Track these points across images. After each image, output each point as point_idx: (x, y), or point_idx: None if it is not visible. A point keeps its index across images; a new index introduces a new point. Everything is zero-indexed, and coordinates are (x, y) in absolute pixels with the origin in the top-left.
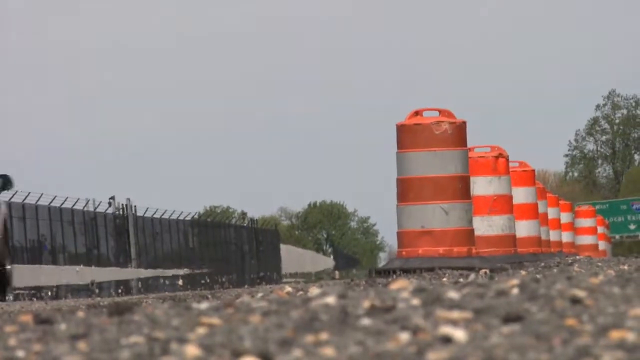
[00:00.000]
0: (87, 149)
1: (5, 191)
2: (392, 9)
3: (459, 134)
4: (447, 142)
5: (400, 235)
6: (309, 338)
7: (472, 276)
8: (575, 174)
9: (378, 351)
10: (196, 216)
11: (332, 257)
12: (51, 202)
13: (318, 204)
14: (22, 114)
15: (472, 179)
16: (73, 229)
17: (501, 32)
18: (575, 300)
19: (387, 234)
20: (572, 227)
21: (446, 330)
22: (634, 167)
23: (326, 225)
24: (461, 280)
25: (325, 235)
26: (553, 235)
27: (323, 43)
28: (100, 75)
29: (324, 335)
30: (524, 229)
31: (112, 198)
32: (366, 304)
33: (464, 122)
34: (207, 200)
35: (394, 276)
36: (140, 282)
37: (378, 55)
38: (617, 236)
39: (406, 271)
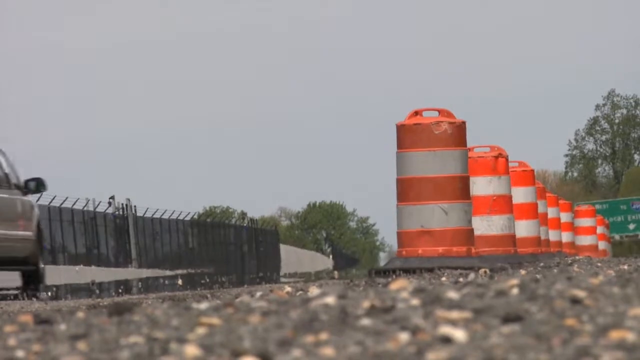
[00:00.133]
0: (87, 148)
1: (39, 193)
2: (392, 9)
3: (458, 134)
4: (447, 142)
5: (399, 235)
6: (309, 338)
7: (472, 276)
8: (575, 174)
9: (378, 351)
10: (196, 216)
11: (331, 257)
12: (51, 201)
13: (317, 204)
14: (21, 113)
15: (471, 179)
16: (73, 228)
17: (501, 32)
18: (575, 300)
19: (387, 234)
20: (571, 227)
21: (446, 330)
22: (634, 167)
23: (326, 225)
24: (461, 280)
25: (324, 235)
26: (553, 235)
27: (323, 43)
28: (100, 74)
29: (323, 336)
30: (524, 228)
31: (112, 198)
32: (366, 304)
33: (464, 122)
34: (207, 201)
35: (394, 276)
36: (140, 282)
37: (378, 55)
38: (617, 236)
39: (406, 271)
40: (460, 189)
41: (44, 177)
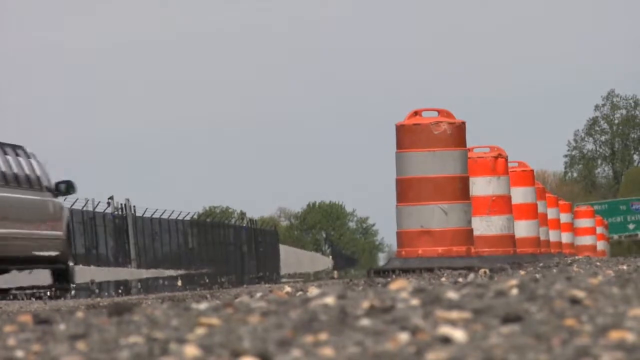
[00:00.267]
0: (86, 148)
1: (69, 195)
2: (392, 9)
3: (458, 134)
4: (447, 143)
5: (399, 236)
6: (308, 338)
7: (471, 276)
8: (575, 174)
9: (377, 351)
10: (195, 216)
11: (330, 257)
12: None
13: (317, 204)
14: (21, 113)
15: (471, 179)
16: (72, 228)
17: (501, 32)
18: (575, 301)
19: (386, 234)
20: (571, 228)
21: (445, 330)
22: (633, 167)
23: (325, 226)
24: (460, 280)
25: (324, 236)
26: (552, 236)
27: (323, 43)
28: (100, 74)
29: (323, 336)
30: (523, 229)
31: (111, 198)
32: (365, 304)
33: (463, 123)
34: (207, 201)
35: (393, 276)
36: (139, 282)
37: (378, 55)
38: (616, 236)
39: (405, 271)
40: (459, 189)
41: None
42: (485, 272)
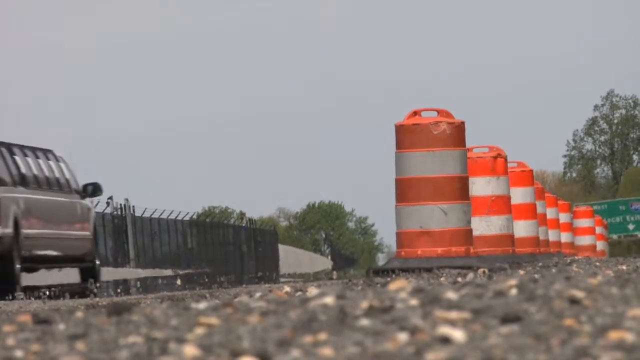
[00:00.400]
0: (85, 148)
1: (95, 197)
2: (392, 9)
3: (457, 134)
4: (446, 143)
5: (399, 236)
6: (308, 338)
7: (471, 276)
8: (574, 174)
9: (376, 351)
10: (195, 216)
11: (330, 257)
12: None
13: (316, 204)
14: (21, 113)
15: (470, 179)
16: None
17: (500, 32)
18: (574, 301)
19: (386, 234)
20: (570, 228)
21: (444, 330)
22: (633, 168)
23: (324, 226)
24: (459, 280)
25: (323, 236)
26: (551, 236)
27: (323, 43)
28: (100, 74)
29: (322, 336)
30: (523, 229)
31: (111, 198)
32: (364, 304)
33: (463, 123)
34: (206, 201)
35: (393, 276)
36: (138, 282)
37: (378, 55)
38: (615, 236)
39: (405, 271)
40: (459, 189)
41: None
42: (484, 272)
